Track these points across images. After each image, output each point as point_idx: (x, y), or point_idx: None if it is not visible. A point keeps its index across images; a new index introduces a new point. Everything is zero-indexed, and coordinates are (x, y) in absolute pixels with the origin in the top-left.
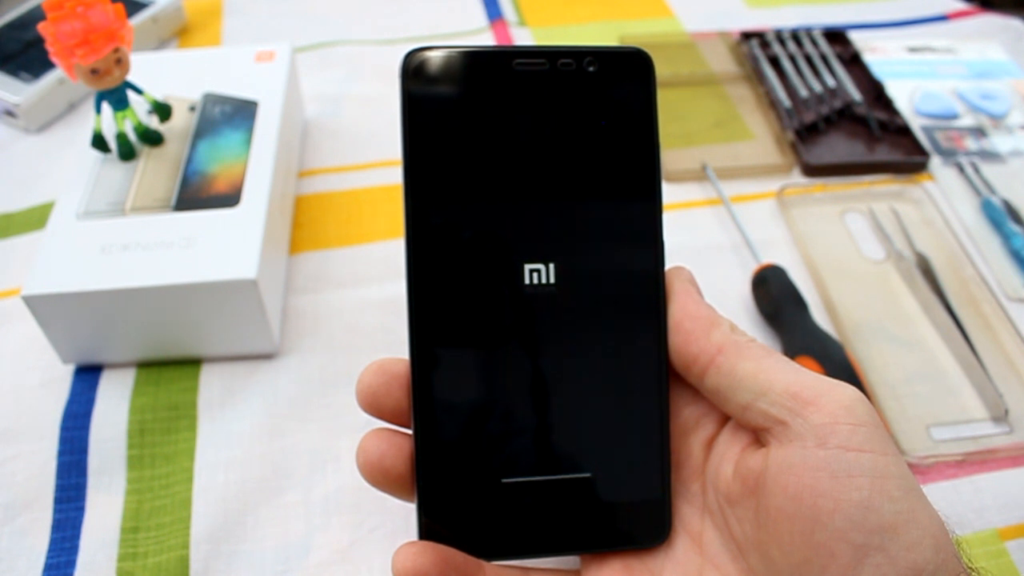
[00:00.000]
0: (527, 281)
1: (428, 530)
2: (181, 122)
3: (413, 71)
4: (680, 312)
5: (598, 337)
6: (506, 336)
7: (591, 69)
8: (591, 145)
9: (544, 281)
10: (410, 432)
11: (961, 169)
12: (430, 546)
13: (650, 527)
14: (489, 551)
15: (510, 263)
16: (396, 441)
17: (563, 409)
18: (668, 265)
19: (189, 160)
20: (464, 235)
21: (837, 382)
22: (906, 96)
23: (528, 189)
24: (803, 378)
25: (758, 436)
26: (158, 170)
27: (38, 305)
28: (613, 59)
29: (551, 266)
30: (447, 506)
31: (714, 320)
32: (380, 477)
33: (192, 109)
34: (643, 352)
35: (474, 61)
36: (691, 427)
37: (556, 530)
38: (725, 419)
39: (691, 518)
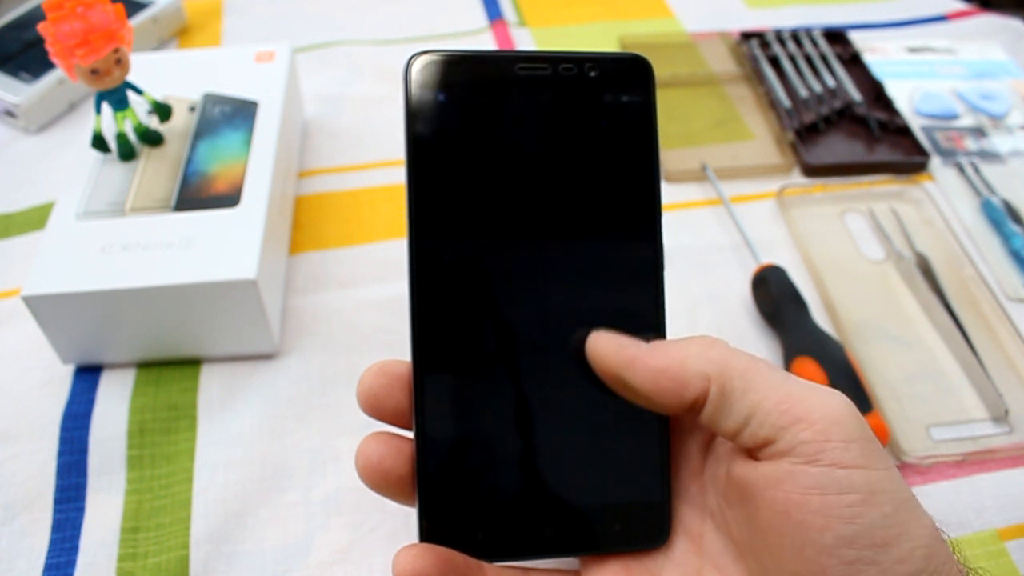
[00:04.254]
0: (529, 285)
1: (428, 532)
2: (181, 122)
3: (416, 74)
4: (645, 378)
5: None
6: (508, 339)
7: (592, 75)
8: (592, 150)
9: (546, 285)
10: (409, 435)
11: (961, 169)
12: (430, 548)
13: (650, 529)
14: (489, 553)
15: (512, 267)
16: (395, 444)
17: (564, 412)
18: (667, 269)
19: (189, 160)
20: (466, 239)
21: (826, 391)
22: (906, 96)
23: (530, 193)
24: (791, 390)
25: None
26: (158, 170)
27: (38, 305)
28: (614, 65)
29: (553, 270)
30: (447, 508)
31: (684, 364)
32: (380, 480)
33: (192, 109)
34: None
35: (477, 65)
36: (688, 428)
37: (556, 532)
38: None
39: (691, 519)
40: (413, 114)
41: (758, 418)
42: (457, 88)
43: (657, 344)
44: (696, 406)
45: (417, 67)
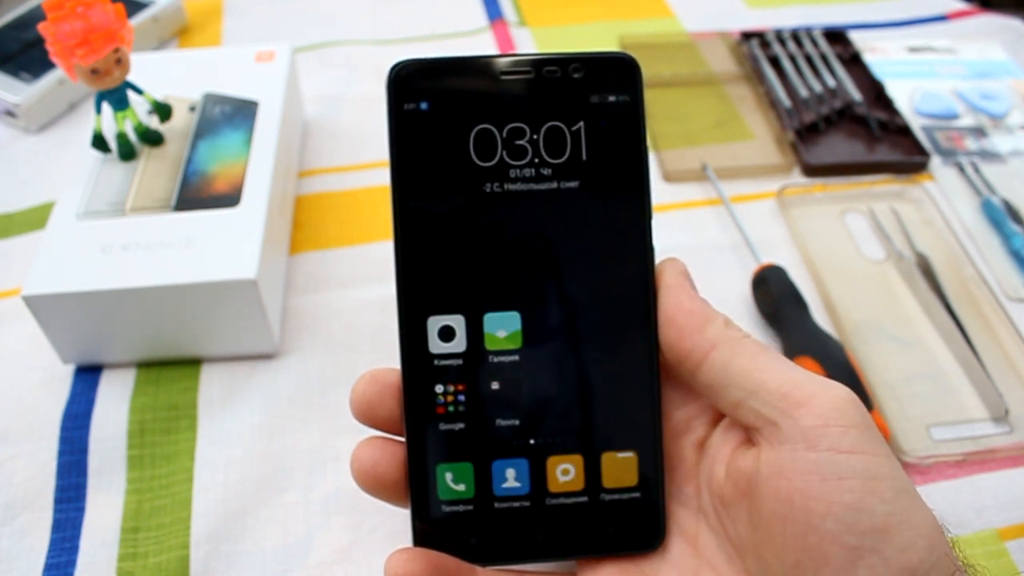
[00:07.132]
0: (517, 289)
1: (422, 536)
2: (181, 122)
3: (400, 82)
4: (673, 306)
5: (589, 342)
6: (498, 344)
7: (577, 76)
8: (580, 150)
9: (533, 288)
10: (403, 440)
11: (961, 169)
12: (421, 552)
13: (644, 532)
14: (482, 557)
15: (498, 269)
16: (389, 449)
17: (556, 415)
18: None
19: (189, 160)
20: (452, 243)
21: (829, 382)
22: (906, 96)
23: (517, 195)
24: (795, 377)
25: (749, 434)
26: (158, 170)
27: (38, 305)
28: (599, 65)
29: (540, 273)
30: (440, 512)
31: (708, 315)
32: (374, 484)
33: (192, 109)
34: (635, 357)
35: (459, 71)
36: (682, 429)
37: (550, 536)
38: (716, 420)
39: (686, 521)
40: (396, 122)
41: (760, 396)
42: (440, 95)
43: (698, 296)
44: (692, 358)
45: (401, 75)
